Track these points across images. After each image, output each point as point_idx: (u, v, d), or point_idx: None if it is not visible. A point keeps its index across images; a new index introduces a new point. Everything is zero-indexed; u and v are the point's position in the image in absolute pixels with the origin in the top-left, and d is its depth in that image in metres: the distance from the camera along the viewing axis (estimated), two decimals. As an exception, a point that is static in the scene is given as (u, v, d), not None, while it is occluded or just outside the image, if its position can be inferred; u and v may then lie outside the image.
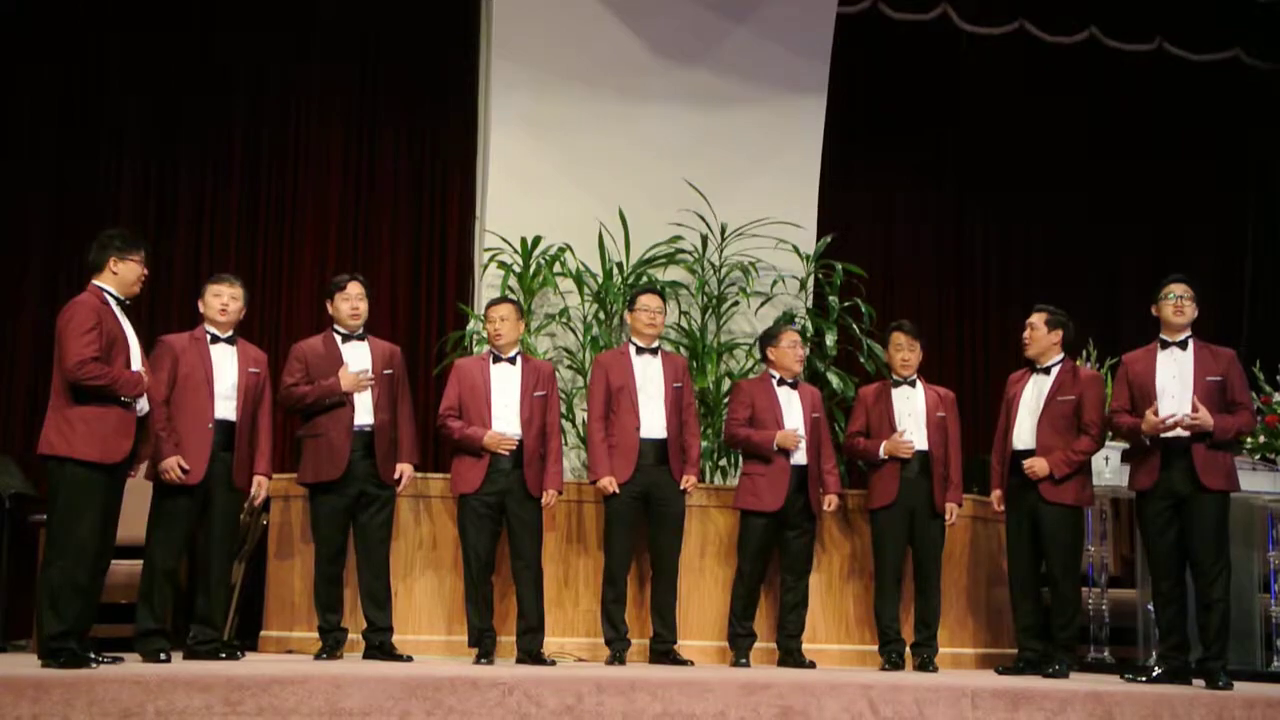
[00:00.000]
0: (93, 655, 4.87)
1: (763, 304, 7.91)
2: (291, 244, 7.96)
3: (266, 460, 5.74)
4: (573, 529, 6.37)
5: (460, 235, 8.15)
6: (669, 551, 6.06)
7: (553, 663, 5.76)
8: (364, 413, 5.83)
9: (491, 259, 7.67)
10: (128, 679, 4.47)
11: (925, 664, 6.11)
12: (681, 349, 7.58)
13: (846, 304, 7.84)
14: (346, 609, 5.92)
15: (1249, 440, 6.82)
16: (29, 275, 7.48)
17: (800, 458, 6.15)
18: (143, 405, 5.09)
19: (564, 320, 7.66)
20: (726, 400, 7.23)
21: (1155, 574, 5.74)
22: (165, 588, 5.44)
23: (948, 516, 6.25)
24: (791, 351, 6.28)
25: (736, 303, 7.86)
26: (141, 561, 5.49)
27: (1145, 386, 5.73)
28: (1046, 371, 6.07)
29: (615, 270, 7.68)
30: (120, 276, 5.13)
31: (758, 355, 7.42)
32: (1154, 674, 5.63)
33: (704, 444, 7.06)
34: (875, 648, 6.26)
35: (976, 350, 9.16)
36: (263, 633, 6.40)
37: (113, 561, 5.21)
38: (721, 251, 7.81)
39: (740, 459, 6.62)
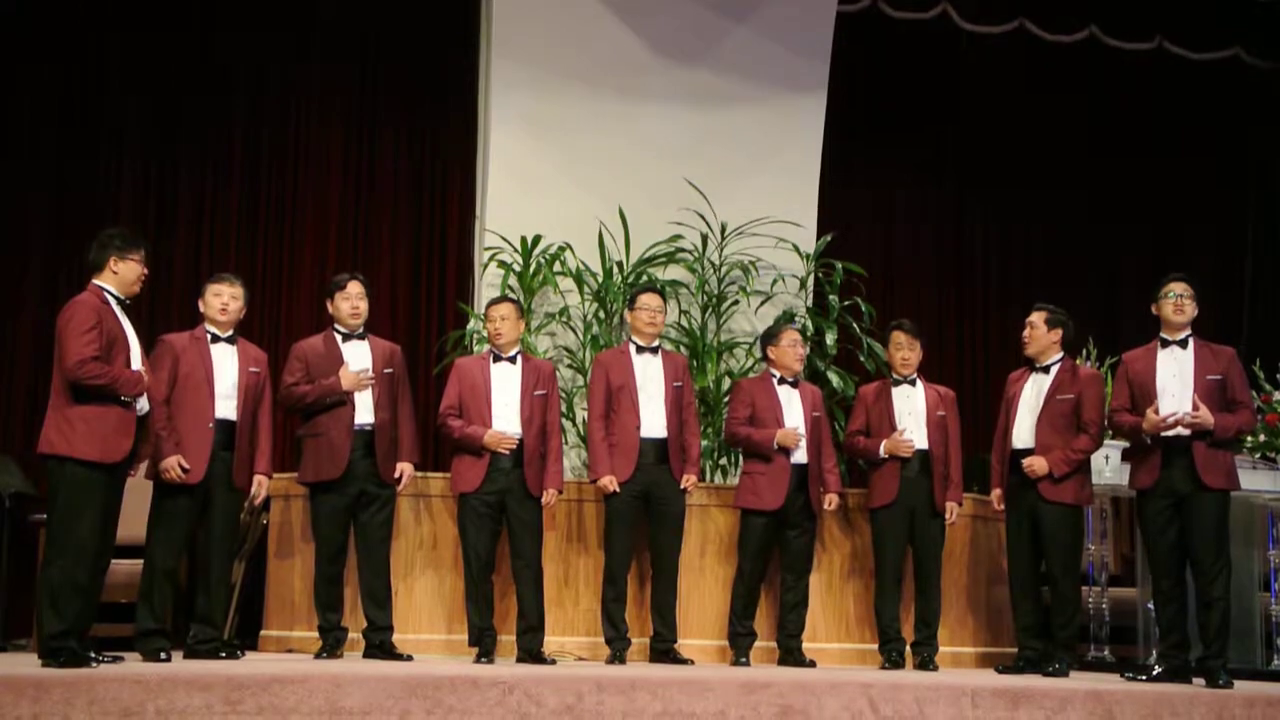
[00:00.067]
0: (93, 654, 4.87)
1: (763, 303, 7.91)
2: (291, 244, 7.97)
3: (267, 460, 5.75)
4: (573, 528, 6.38)
5: (460, 234, 8.16)
6: (669, 551, 6.06)
7: (553, 662, 5.76)
8: (364, 412, 5.84)
9: (491, 258, 7.67)
10: (128, 678, 4.47)
11: (925, 663, 6.11)
12: (682, 348, 7.59)
13: (846, 303, 7.84)
14: (347, 608, 5.93)
15: (1249, 439, 6.82)
16: (29, 275, 7.48)
17: (800, 456, 6.15)
18: (143, 404, 5.09)
19: (564, 319, 7.66)
20: (727, 399, 7.24)
21: (1155, 573, 5.74)
22: (165, 587, 5.45)
23: (948, 515, 6.25)
24: (792, 350, 6.28)
25: (736, 302, 7.86)
26: (141, 561, 5.50)
27: (1145, 385, 5.73)
28: (1046, 370, 6.07)
29: (615, 269, 7.68)
30: (120, 276, 5.13)
31: (758, 354, 7.43)
32: (1154, 673, 5.63)
33: (704, 443, 7.06)
34: (875, 647, 6.26)
35: (976, 349, 9.16)
36: (263, 632, 6.41)
37: (113, 561, 5.21)
38: (721, 250, 7.82)
39: (740, 458, 6.62)
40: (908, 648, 6.22)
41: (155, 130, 7.78)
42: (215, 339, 5.64)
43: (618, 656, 5.90)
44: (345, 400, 5.82)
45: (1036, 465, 5.92)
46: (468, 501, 5.83)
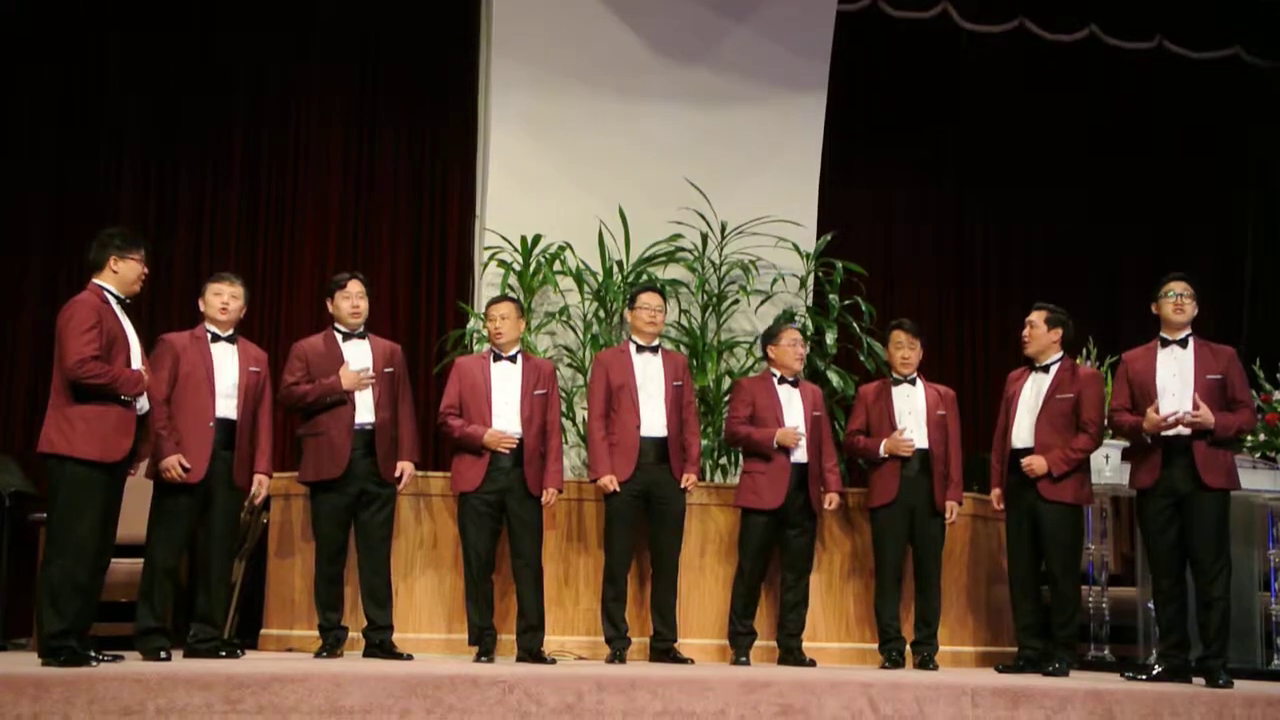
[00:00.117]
0: (93, 653, 4.88)
1: (763, 302, 7.91)
2: (291, 244, 7.97)
3: (267, 459, 5.75)
4: (573, 527, 6.38)
5: (460, 234, 8.16)
6: (669, 550, 6.06)
7: (553, 661, 5.76)
8: (365, 411, 5.84)
9: (491, 257, 7.67)
10: (128, 677, 4.47)
11: (925, 662, 6.11)
12: (682, 347, 7.59)
13: (846, 302, 7.84)
14: (347, 607, 5.93)
15: (1249, 438, 6.82)
16: (29, 275, 7.49)
17: (800, 456, 6.15)
18: (143, 404, 5.09)
19: (564, 319, 7.66)
20: (727, 399, 7.24)
21: (1155, 572, 5.74)
22: (165, 586, 5.45)
23: (948, 515, 6.25)
24: (791, 350, 6.28)
25: (736, 301, 7.86)
26: (142, 560, 5.50)
27: (1146, 385, 5.73)
28: (1045, 370, 6.07)
29: (615, 269, 7.68)
30: (121, 275, 5.13)
31: (758, 354, 7.44)
32: (1154, 672, 5.62)
33: (704, 442, 7.07)
34: (875, 646, 6.26)
35: (976, 348, 9.16)
36: (263, 631, 6.42)
37: (113, 560, 5.21)
38: (721, 250, 7.82)
39: (740, 457, 6.62)
40: (908, 647, 6.22)
41: (155, 130, 7.78)
42: (215, 338, 5.64)
43: (618, 656, 5.90)
44: (346, 399, 5.82)
45: (1035, 464, 5.92)
46: (468, 501, 5.83)
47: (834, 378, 7.59)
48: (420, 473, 6.16)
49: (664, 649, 6.01)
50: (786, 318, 7.60)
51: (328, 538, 5.82)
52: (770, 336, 6.42)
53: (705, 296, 7.79)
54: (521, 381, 5.92)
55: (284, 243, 7.96)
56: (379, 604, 5.84)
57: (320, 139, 8.07)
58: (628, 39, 8.05)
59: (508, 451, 5.81)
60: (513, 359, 5.97)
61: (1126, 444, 6.10)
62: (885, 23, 9.03)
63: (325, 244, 8.00)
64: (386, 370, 5.93)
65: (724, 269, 7.82)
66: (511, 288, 7.47)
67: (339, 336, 5.95)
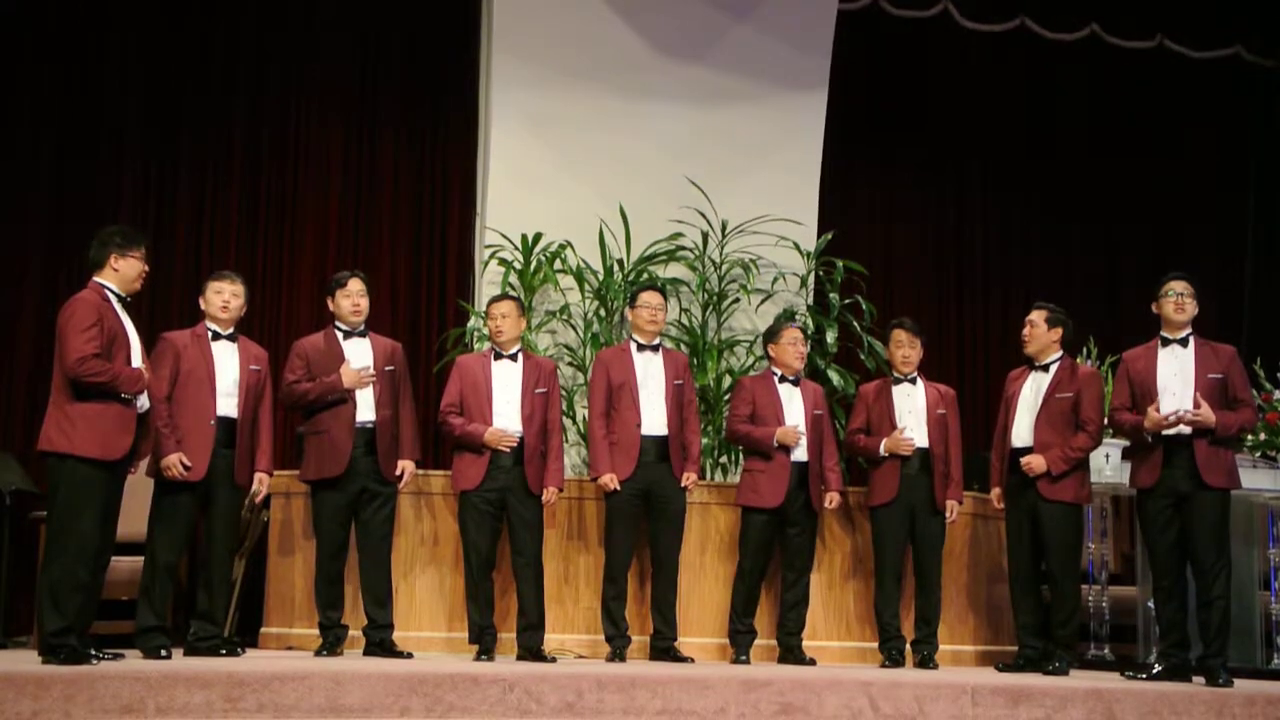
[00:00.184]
0: (93, 652, 4.87)
1: (763, 301, 7.91)
2: (291, 243, 7.97)
3: (268, 457, 5.76)
4: (573, 526, 6.38)
5: (461, 232, 8.16)
6: (669, 548, 6.06)
7: (553, 660, 5.76)
8: (366, 409, 5.84)
9: (492, 256, 7.68)
10: (128, 675, 4.47)
11: (925, 661, 6.11)
12: (682, 346, 7.59)
13: (847, 301, 7.84)
14: (347, 606, 5.93)
15: (1249, 438, 6.81)
16: (29, 275, 7.48)
17: (801, 454, 6.15)
18: (143, 402, 5.09)
19: (565, 317, 7.67)
20: (727, 397, 7.24)
21: (1156, 571, 5.74)
22: (166, 584, 5.46)
23: (948, 514, 6.25)
24: (792, 348, 6.28)
25: (737, 300, 7.86)
26: (142, 558, 5.51)
27: (1146, 384, 5.73)
28: (1045, 369, 6.07)
29: (616, 267, 7.68)
30: (121, 273, 5.14)
31: (758, 352, 7.44)
32: (1154, 671, 5.62)
33: (704, 441, 7.07)
34: (875, 645, 6.26)
35: (977, 347, 9.16)
36: (263, 629, 6.42)
37: (113, 558, 5.22)
38: (722, 248, 7.82)
39: (741, 456, 6.62)
40: (908, 646, 6.22)
41: (155, 130, 7.78)
42: (216, 336, 5.65)
43: (618, 654, 5.90)
44: (346, 398, 5.82)
45: (1035, 463, 5.92)
46: (468, 499, 5.83)
47: (834, 376, 7.58)
48: (421, 471, 6.16)
49: (664, 647, 6.01)
50: (787, 316, 7.60)
51: (328, 536, 5.82)
52: (771, 335, 6.43)
53: (706, 295, 7.79)
54: (522, 380, 5.92)
55: (284, 242, 7.96)
56: (379, 602, 5.84)
57: (320, 139, 8.07)
58: (628, 37, 8.05)
59: (508, 450, 5.82)
60: (513, 357, 5.97)
61: (1127, 443, 6.10)
62: (886, 21, 9.03)
63: (325, 243, 8.00)
64: (387, 368, 5.93)
65: (724, 267, 7.82)
66: (512, 286, 7.47)
67: (340, 335, 5.96)
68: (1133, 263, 9.25)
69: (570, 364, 7.58)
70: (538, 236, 7.59)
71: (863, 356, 7.78)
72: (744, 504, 6.19)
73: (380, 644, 5.80)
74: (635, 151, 7.99)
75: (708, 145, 8.05)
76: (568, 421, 7.19)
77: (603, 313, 7.62)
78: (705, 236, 7.81)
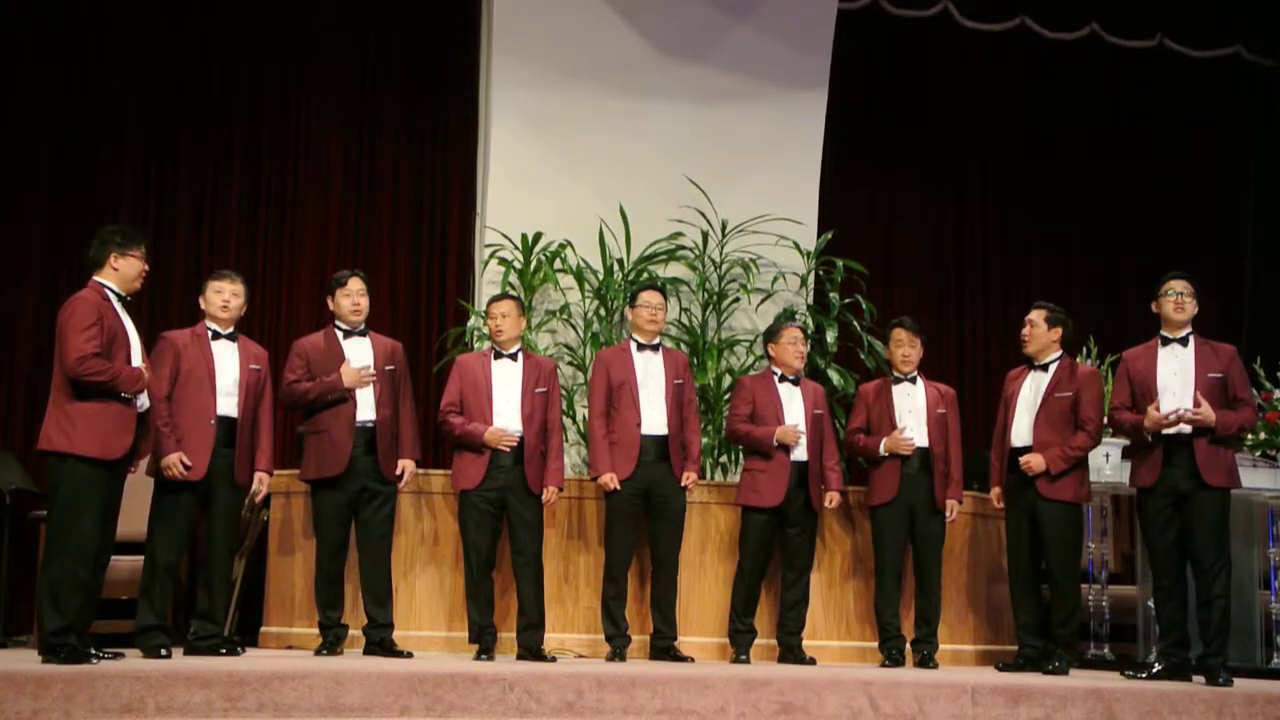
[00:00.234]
0: (93, 651, 4.88)
1: (763, 300, 7.91)
2: (291, 243, 7.97)
3: (268, 456, 5.76)
4: (573, 525, 6.38)
5: (461, 232, 8.16)
6: (669, 548, 6.06)
7: (553, 659, 5.76)
8: (366, 409, 5.84)
9: (492, 255, 7.68)
10: (128, 675, 4.47)
11: (925, 660, 6.11)
12: (682, 345, 7.59)
13: (847, 300, 7.84)
14: (347, 605, 5.93)
15: (1249, 437, 6.81)
16: (29, 275, 7.49)
17: (800, 454, 6.15)
18: (143, 401, 5.10)
19: (564, 317, 7.67)
20: (727, 397, 7.24)
21: (1156, 571, 5.74)
22: (166, 583, 5.46)
23: (948, 513, 6.25)
24: (791, 348, 6.28)
25: (737, 299, 7.86)
26: (142, 557, 5.51)
27: (1146, 383, 5.73)
28: (1044, 368, 6.07)
29: (616, 266, 7.69)
30: (121, 272, 5.14)
31: (758, 352, 7.44)
32: (1154, 670, 5.62)
33: (704, 440, 7.07)
34: (875, 644, 6.26)
35: (977, 347, 9.16)
36: (263, 629, 6.42)
37: (113, 557, 5.23)
38: (722, 248, 7.82)
39: (741, 455, 6.62)
40: (908, 645, 6.22)
41: (155, 130, 7.79)
42: (216, 336, 5.66)
43: (618, 654, 5.90)
44: (347, 397, 5.82)
45: (1034, 462, 5.92)
46: (468, 498, 5.83)
47: (834, 376, 7.59)
48: (421, 470, 6.16)
49: (664, 647, 6.01)
50: (787, 316, 7.60)
51: (328, 535, 5.82)
52: (771, 335, 6.43)
53: (706, 295, 7.79)
54: (522, 379, 5.92)
55: (284, 242, 7.96)
56: (379, 602, 5.84)
57: (320, 138, 8.07)
58: (628, 37, 8.05)
59: (508, 449, 5.82)
60: (514, 357, 5.98)
61: (1126, 443, 6.10)
62: (886, 21, 9.03)
63: (325, 243, 8.00)
64: (387, 368, 5.93)
65: (724, 267, 7.82)
66: (512, 285, 7.48)
67: (340, 334, 5.96)
68: (1133, 263, 9.25)
69: (570, 363, 7.58)
70: (538, 236, 7.60)
71: (863, 356, 7.78)
72: (744, 503, 6.19)
73: (380, 643, 5.80)
74: (635, 151, 7.99)
75: (708, 145, 8.05)
76: (568, 421, 7.19)
77: (603, 312, 7.62)
78: (705, 236, 7.81)
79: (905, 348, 6.31)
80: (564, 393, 7.10)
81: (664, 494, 6.02)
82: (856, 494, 6.51)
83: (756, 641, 6.20)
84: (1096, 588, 6.81)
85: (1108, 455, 6.60)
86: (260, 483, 5.76)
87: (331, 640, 5.79)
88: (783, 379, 6.28)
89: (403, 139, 8.21)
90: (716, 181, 7.79)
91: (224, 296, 5.68)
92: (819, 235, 8.08)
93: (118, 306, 5.09)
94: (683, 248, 7.83)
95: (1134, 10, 9.35)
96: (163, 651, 5.23)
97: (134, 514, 5.58)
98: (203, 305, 5.72)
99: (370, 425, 5.83)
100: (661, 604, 6.04)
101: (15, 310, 7.44)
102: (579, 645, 6.21)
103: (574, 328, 7.70)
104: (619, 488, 5.96)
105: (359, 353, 5.92)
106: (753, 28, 8.22)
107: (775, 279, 7.92)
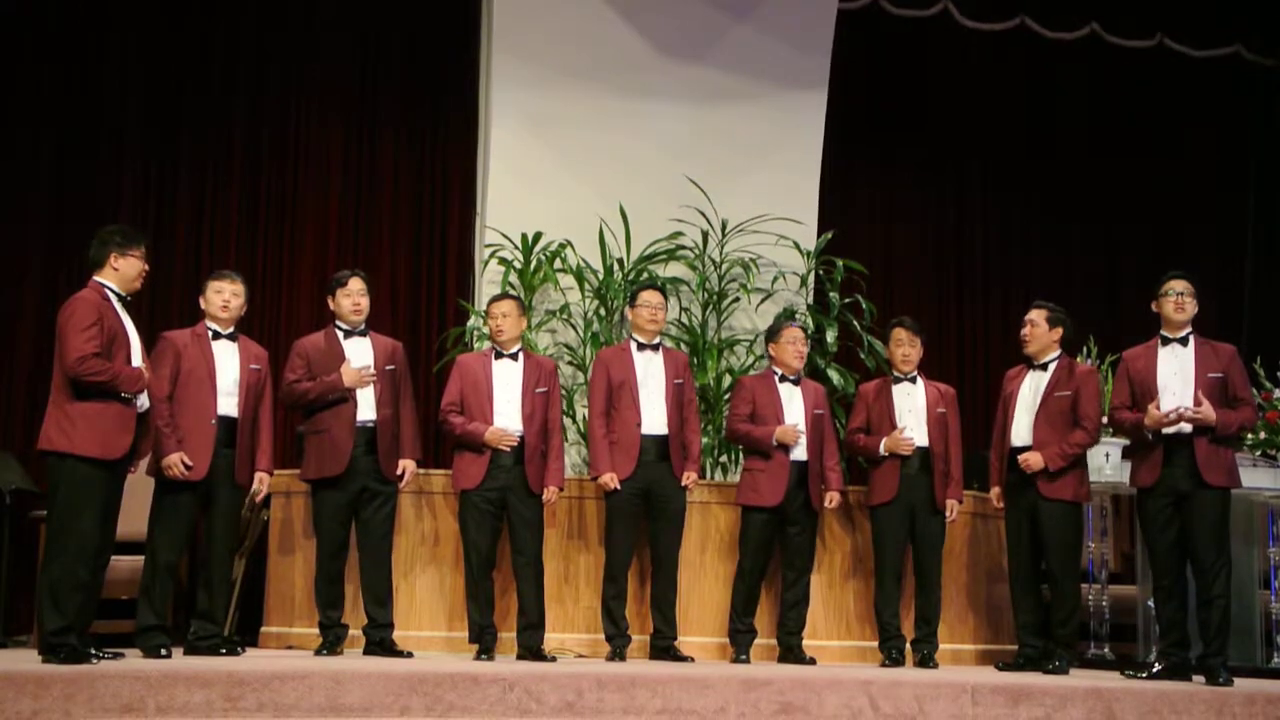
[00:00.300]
0: (93, 651, 4.88)
1: (763, 300, 7.91)
2: (291, 243, 7.97)
3: (268, 456, 5.76)
4: (573, 525, 6.38)
5: (461, 231, 8.17)
6: (669, 547, 6.06)
7: (553, 659, 5.76)
8: (366, 408, 5.84)
9: (492, 255, 7.68)
10: (128, 674, 4.47)
11: (925, 660, 6.11)
12: (682, 345, 7.59)
13: (847, 300, 7.85)
14: (347, 605, 5.93)
15: (1250, 437, 6.81)
16: (29, 275, 7.49)
17: (800, 453, 6.15)
18: (143, 401, 5.10)
19: (564, 316, 7.67)
20: (727, 396, 7.24)
21: (1156, 570, 5.74)
22: (166, 583, 5.46)
23: (948, 513, 6.25)
24: (791, 347, 6.28)
25: (737, 299, 7.86)
26: (142, 557, 5.51)
27: (1146, 383, 5.73)
28: (1044, 368, 6.07)
29: (616, 266, 7.69)
30: (121, 272, 5.14)
31: (758, 351, 7.44)
32: (1154, 670, 5.62)
33: (705, 440, 7.07)
34: (875, 644, 6.26)
35: (977, 347, 9.16)
36: (263, 628, 6.42)
37: (114, 557, 5.23)
38: (722, 248, 7.82)
39: (741, 455, 6.62)
40: (908, 645, 6.22)
41: (155, 130, 7.79)
42: (216, 336, 5.66)
43: (618, 653, 5.90)
44: (347, 397, 5.82)
45: (1032, 460, 5.92)
46: (469, 498, 5.83)
47: (834, 376, 7.59)
48: (421, 470, 6.16)
49: (664, 647, 6.01)
50: (787, 316, 7.59)
51: (329, 535, 5.82)
52: (771, 334, 6.43)
53: (706, 294, 7.79)
54: (523, 379, 5.92)
55: (284, 242, 7.96)
56: (379, 602, 5.84)
57: (320, 138, 8.07)
58: (628, 36, 8.05)
59: (509, 449, 5.82)
60: (514, 356, 5.98)
61: (1127, 442, 6.10)
62: (886, 21, 9.04)
63: (325, 243, 8.00)
64: (388, 368, 5.93)
65: (724, 267, 7.82)
66: (512, 285, 7.48)
67: (340, 334, 5.96)
68: (1133, 263, 9.24)
69: (570, 363, 7.58)
70: (538, 235, 7.60)
71: (863, 356, 7.78)
72: (744, 503, 6.19)
73: (380, 643, 5.80)
74: (635, 151, 7.99)
75: (708, 145, 8.05)
76: (568, 421, 7.19)
77: (603, 312, 7.62)
78: (705, 235, 7.81)
79: (905, 347, 6.31)
80: (564, 393, 7.10)
81: (664, 494, 6.02)
82: (856, 494, 6.51)
83: (756, 641, 6.20)
84: (1096, 587, 6.81)
85: (1108, 455, 6.60)
86: (260, 482, 5.76)
87: (331, 640, 5.79)
88: (783, 379, 6.27)
89: (403, 139, 8.21)
90: (716, 181, 7.79)
91: (224, 296, 5.68)
92: (819, 235, 8.09)
93: (118, 306, 5.09)
94: (683, 247, 7.83)
95: (1134, 10, 9.35)
96: (163, 651, 5.24)
97: (134, 514, 5.58)
98: (203, 305, 5.72)
99: (371, 425, 5.83)
100: (661, 604, 6.04)
101: (15, 310, 7.44)
102: (579, 645, 6.21)
103: (574, 328, 7.70)
104: (619, 487, 5.96)
105: (359, 352, 5.92)
106: (753, 28, 8.22)
107: (775, 279, 7.92)
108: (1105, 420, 6.06)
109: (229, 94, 7.94)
